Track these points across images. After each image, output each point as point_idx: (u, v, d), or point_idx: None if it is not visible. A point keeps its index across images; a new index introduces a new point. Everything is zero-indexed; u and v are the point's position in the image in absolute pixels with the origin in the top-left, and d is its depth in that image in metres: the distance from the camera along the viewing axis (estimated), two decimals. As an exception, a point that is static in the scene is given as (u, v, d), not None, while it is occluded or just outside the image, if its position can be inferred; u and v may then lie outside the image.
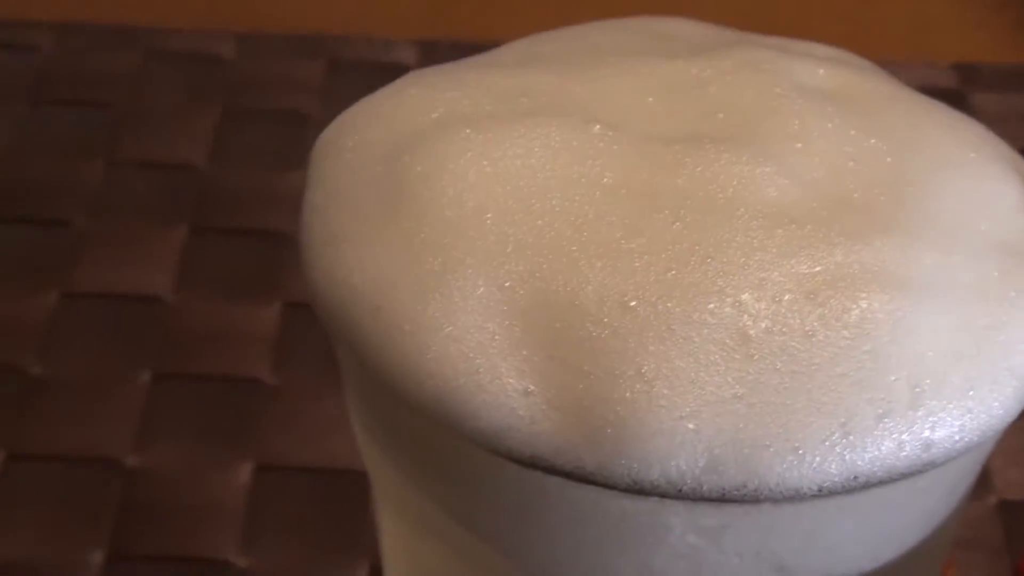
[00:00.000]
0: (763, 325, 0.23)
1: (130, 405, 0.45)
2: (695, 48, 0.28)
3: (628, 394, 0.22)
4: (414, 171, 0.25)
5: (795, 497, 0.22)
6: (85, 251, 0.50)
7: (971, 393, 0.23)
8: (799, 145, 0.25)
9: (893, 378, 0.23)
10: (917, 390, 0.23)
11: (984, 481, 0.44)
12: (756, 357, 0.23)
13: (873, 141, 0.26)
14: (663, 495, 0.22)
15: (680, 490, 0.22)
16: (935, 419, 0.23)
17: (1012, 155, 0.27)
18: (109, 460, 0.44)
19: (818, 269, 0.24)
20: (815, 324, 0.23)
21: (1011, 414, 0.24)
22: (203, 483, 0.43)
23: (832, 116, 0.26)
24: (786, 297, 0.23)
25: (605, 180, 0.25)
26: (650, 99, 0.26)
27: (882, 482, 0.23)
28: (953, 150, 0.26)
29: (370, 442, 0.27)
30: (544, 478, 0.23)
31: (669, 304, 0.23)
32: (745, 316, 0.23)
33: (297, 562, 0.41)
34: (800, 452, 0.22)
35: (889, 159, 0.26)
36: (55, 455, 0.44)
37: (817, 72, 0.27)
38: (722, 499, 0.22)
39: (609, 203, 0.24)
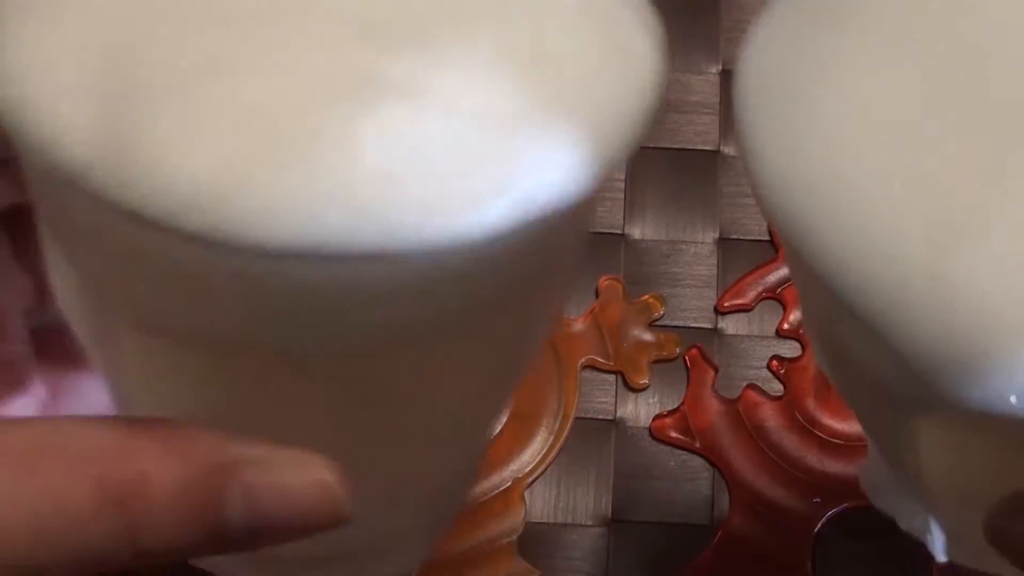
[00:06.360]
0: (278, 105, 0.27)
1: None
2: None
3: (147, 142, 0.27)
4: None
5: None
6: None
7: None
8: None
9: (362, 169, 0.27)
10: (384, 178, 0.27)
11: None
12: (245, 129, 0.27)
13: None
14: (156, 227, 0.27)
15: (161, 224, 0.27)
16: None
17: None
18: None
19: (350, 69, 0.28)
20: (321, 114, 0.27)
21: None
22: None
23: None
24: (311, 85, 0.27)
25: None
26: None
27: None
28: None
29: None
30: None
31: (202, 80, 0.27)
32: (261, 94, 0.27)
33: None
34: (257, 213, 0.26)
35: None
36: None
37: None
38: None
39: None
